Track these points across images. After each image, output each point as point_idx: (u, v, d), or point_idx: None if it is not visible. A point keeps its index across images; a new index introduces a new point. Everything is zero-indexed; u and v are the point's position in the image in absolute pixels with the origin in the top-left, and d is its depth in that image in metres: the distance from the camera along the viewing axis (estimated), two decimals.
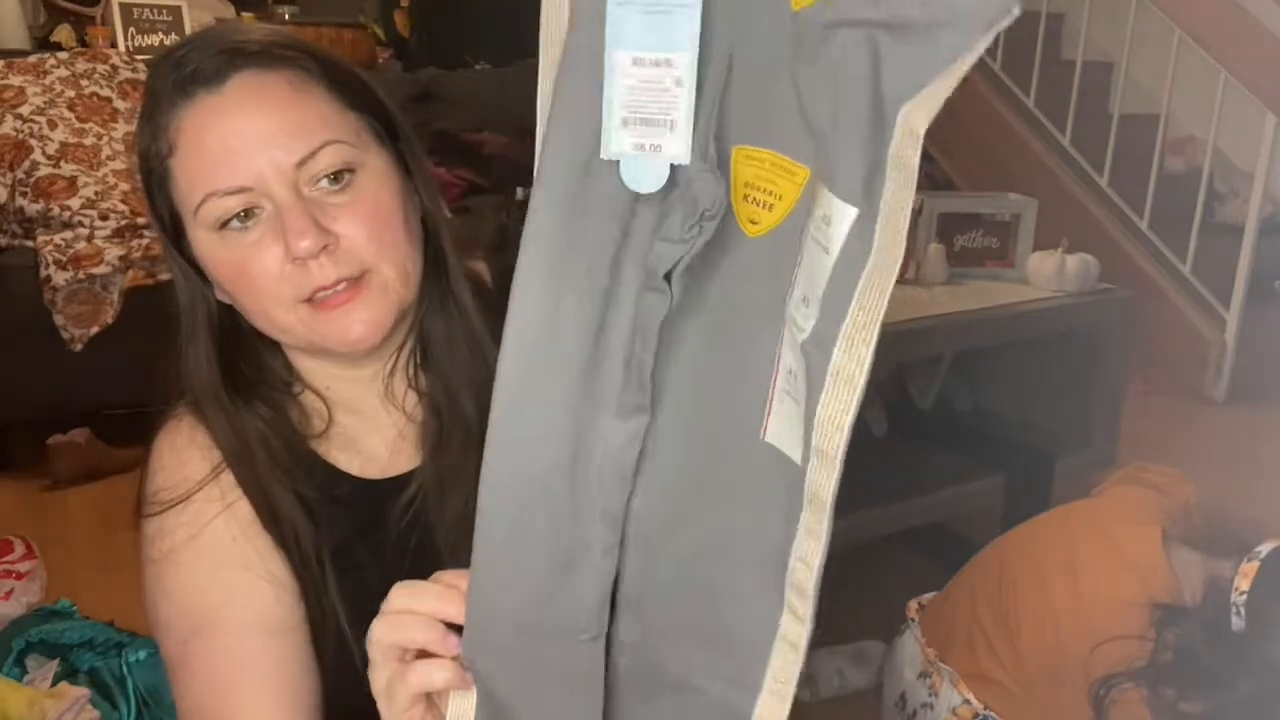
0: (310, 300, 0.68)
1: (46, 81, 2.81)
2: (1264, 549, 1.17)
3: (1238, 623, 1.16)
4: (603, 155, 0.47)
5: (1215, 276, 2.78)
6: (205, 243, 0.68)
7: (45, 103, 2.76)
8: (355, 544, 0.74)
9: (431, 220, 0.75)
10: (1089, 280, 2.05)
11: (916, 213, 2.15)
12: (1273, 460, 2.44)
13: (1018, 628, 1.38)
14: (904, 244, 0.42)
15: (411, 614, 0.56)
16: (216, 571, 0.70)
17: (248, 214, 0.67)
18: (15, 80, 2.77)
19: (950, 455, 2.18)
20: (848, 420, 0.43)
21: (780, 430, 0.47)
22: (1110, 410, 2.14)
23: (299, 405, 0.76)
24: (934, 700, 1.44)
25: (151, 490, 0.73)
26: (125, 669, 1.51)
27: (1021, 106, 3.21)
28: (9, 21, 3.20)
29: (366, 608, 0.68)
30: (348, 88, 0.71)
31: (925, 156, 3.92)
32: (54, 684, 1.48)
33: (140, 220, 2.71)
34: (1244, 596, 1.14)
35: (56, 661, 1.53)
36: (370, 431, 0.78)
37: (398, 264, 0.70)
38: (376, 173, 0.70)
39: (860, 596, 2.06)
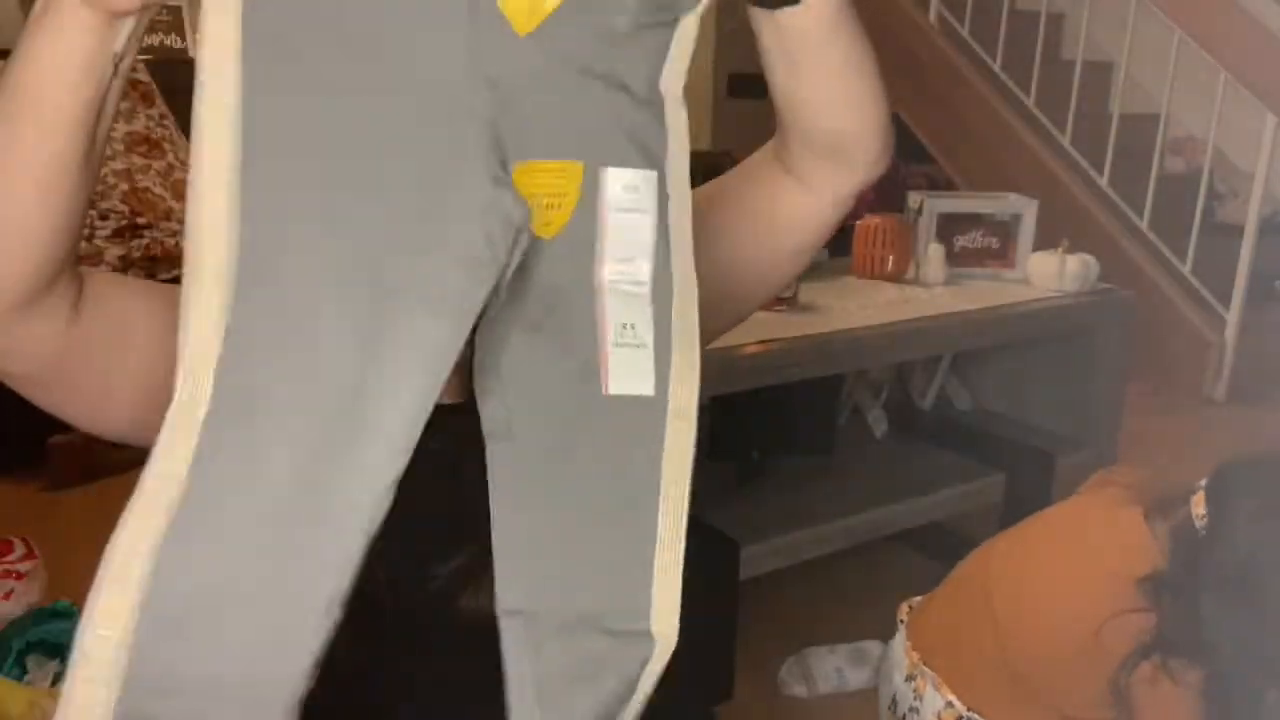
0: None
1: None
2: (1202, 480, 1.27)
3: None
4: None
5: (1215, 276, 2.78)
6: None
7: None
8: None
9: None
10: (1089, 280, 2.05)
11: (916, 213, 2.15)
12: None
13: (1007, 627, 1.39)
14: (689, 190, 0.57)
15: None
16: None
17: None
18: None
19: (950, 455, 2.18)
20: (698, 327, 0.56)
21: (622, 377, 0.55)
22: (1110, 410, 2.14)
23: None
24: (919, 704, 1.44)
25: None
26: None
27: (1021, 106, 3.21)
28: (9, 21, 3.20)
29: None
30: None
31: (925, 157, 3.92)
32: (54, 684, 1.48)
33: (140, 220, 2.71)
34: (1205, 520, 1.22)
35: (56, 661, 1.53)
36: None
37: None
38: None
39: (860, 596, 2.06)
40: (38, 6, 0.52)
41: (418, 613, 0.66)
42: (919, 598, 1.56)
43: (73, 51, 0.51)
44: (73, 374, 0.60)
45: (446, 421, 0.71)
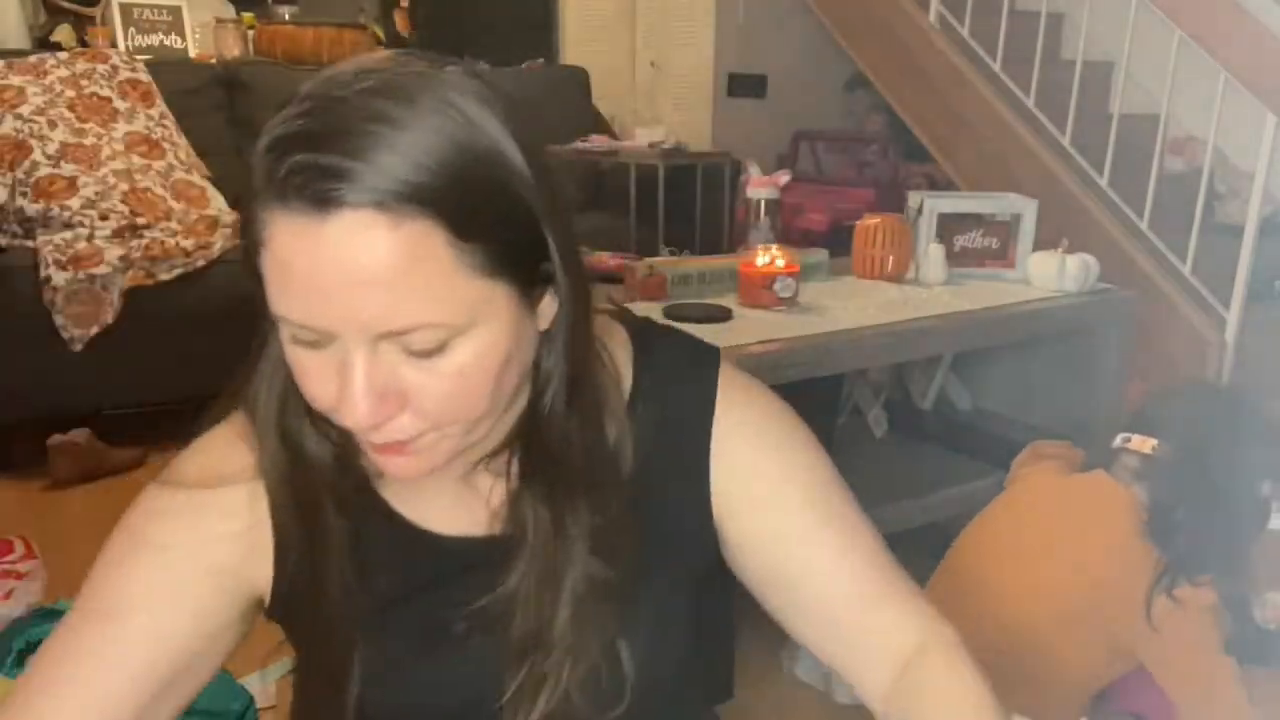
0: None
1: (46, 81, 2.81)
2: (1121, 435, 1.49)
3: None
4: None
5: (1215, 276, 2.78)
6: (282, 331, 0.61)
7: (45, 103, 2.76)
8: (409, 593, 0.71)
9: (567, 329, 0.65)
10: (1089, 280, 2.05)
11: (916, 213, 2.15)
12: None
13: (1014, 614, 1.39)
14: None
15: None
16: (149, 568, 0.71)
17: (317, 343, 0.59)
18: (15, 80, 2.77)
19: (950, 455, 2.18)
20: None
21: None
22: (1110, 410, 2.14)
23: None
24: None
25: (178, 462, 0.71)
26: None
27: (1021, 106, 3.21)
28: (9, 21, 3.20)
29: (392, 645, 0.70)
30: (483, 231, 0.57)
31: (925, 157, 3.90)
32: None
33: (140, 220, 2.71)
34: (1158, 450, 1.42)
35: None
36: (429, 483, 0.71)
37: (466, 421, 0.63)
38: (481, 337, 0.60)
39: None
40: None
41: None
42: None
43: None
44: None
45: (489, 553, 0.70)
